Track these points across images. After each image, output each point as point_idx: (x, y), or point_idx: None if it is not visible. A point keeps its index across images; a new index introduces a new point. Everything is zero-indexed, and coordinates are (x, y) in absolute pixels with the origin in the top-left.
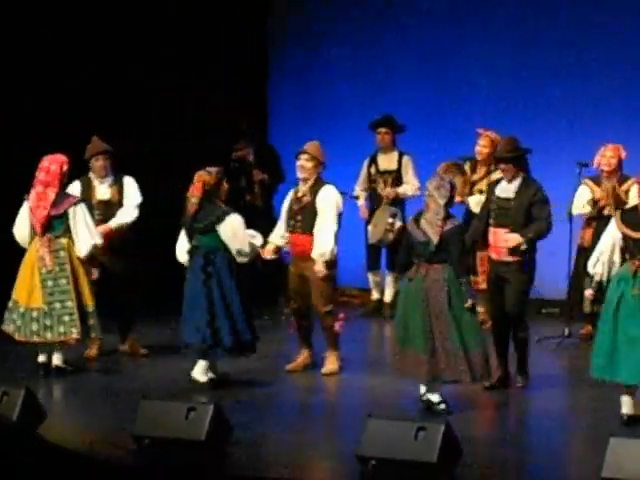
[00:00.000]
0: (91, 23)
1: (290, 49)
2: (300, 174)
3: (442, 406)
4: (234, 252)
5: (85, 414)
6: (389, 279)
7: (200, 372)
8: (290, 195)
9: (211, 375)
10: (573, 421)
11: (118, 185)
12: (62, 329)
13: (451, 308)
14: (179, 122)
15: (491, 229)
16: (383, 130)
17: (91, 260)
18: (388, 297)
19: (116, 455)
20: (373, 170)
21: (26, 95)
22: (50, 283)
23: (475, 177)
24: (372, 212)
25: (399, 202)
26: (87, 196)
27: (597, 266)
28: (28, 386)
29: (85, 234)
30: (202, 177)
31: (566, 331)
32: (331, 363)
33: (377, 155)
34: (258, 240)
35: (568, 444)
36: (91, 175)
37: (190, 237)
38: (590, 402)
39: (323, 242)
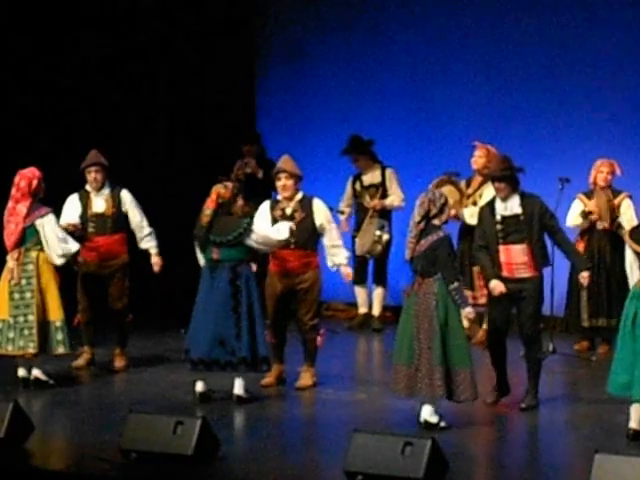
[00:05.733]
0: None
1: (276, 63)
2: (283, 193)
3: (442, 424)
4: (265, 249)
5: (73, 427)
6: (377, 293)
7: (241, 387)
8: (267, 210)
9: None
10: (560, 437)
11: (113, 198)
12: (21, 343)
13: (440, 322)
14: (174, 141)
15: (501, 247)
16: (353, 158)
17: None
18: (376, 310)
19: (103, 469)
20: (358, 186)
21: (27, 103)
22: (17, 296)
23: (469, 190)
24: (359, 224)
25: (386, 214)
26: (84, 208)
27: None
28: (16, 399)
29: (55, 244)
30: (217, 190)
31: (550, 347)
32: (307, 378)
33: (361, 173)
34: (284, 231)
35: (555, 461)
36: (88, 187)
37: (204, 249)
38: (577, 418)
39: (343, 250)
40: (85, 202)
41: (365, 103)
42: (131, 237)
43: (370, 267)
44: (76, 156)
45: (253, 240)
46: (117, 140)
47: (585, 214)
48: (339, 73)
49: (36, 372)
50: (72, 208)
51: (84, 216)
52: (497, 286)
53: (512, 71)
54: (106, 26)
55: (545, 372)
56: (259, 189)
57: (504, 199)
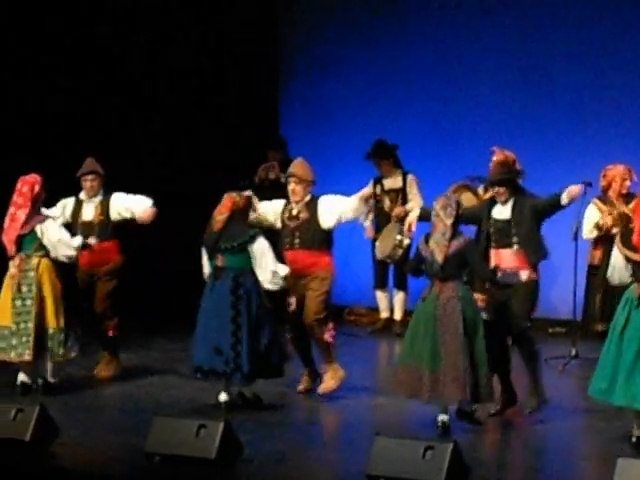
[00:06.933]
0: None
1: (300, 69)
2: (293, 197)
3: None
4: (268, 275)
5: (98, 431)
6: (398, 297)
7: (224, 394)
8: (280, 211)
9: (225, 398)
10: (581, 442)
11: (103, 206)
12: (20, 349)
13: (464, 326)
14: (190, 147)
15: (492, 251)
16: (377, 160)
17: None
18: (398, 315)
19: (127, 472)
20: (378, 190)
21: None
22: (18, 303)
23: (487, 196)
24: (379, 229)
25: (406, 219)
26: (75, 215)
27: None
28: (42, 402)
29: (59, 243)
30: (232, 197)
31: (573, 351)
32: (330, 379)
33: (382, 177)
34: (283, 271)
35: (577, 466)
36: (82, 195)
37: (211, 256)
38: (598, 423)
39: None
40: (76, 210)
41: (387, 108)
42: (130, 245)
43: (391, 272)
44: (76, 156)
45: (254, 249)
46: (117, 141)
47: (599, 227)
48: (362, 78)
49: (22, 376)
50: (64, 211)
51: (74, 224)
52: None
53: (532, 76)
54: (117, 25)
55: (567, 376)
56: (282, 194)
57: (503, 203)
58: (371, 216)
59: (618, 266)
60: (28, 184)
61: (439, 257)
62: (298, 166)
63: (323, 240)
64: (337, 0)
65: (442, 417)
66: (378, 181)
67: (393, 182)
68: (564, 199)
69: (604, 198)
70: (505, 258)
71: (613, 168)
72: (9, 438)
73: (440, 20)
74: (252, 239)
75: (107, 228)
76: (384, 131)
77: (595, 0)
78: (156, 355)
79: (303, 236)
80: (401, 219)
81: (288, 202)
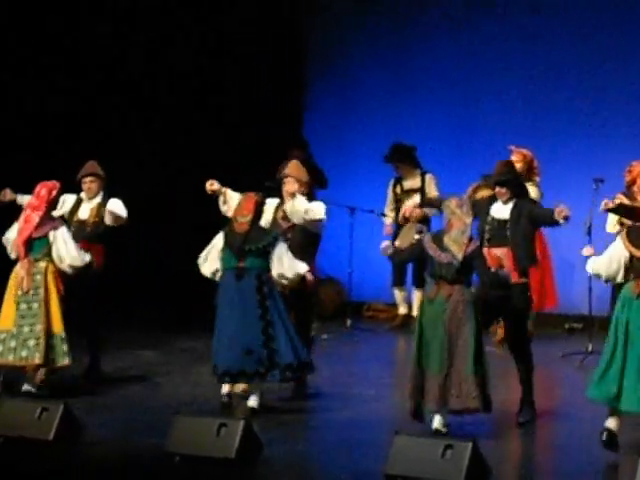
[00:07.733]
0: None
1: (323, 72)
2: (287, 198)
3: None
4: (278, 275)
5: (119, 430)
6: (416, 295)
7: (254, 398)
8: (272, 210)
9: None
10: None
11: (99, 208)
12: (24, 353)
13: (472, 330)
14: (209, 153)
15: (484, 250)
16: (395, 164)
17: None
18: (416, 312)
19: (148, 472)
20: (398, 190)
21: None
22: (23, 306)
23: None
24: (398, 229)
25: (424, 219)
26: (72, 212)
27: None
28: (66, 402)
29: (66, 253)
30: (252, 198)
31: (590, 347)
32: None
33: (401, 178)
34: (303, 267)
35: (597, 464)
36: (83, 195)
37: (237, 257)
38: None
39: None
40: (74, 208)
41: (407, 109)
42: (133, 246)
43: (409, 270)
44: (76, 156)
45: (276, 252)
46: (117, 141)
47: (622, 222)
48: (383, 80)
49: (26, 385)
50: (63, 205)
51: (69, 221)
52: None
53: (550, 77)
54: (117, 25)
55: (584, 372)
56: None
57: (504, 203)
58: (393, 215)
59: (608, 257)
60: (47, 188)
61: (458, 254)
62: (292, 167)
63: (309, 244)
64: (358, 3)
65: (435, 422)
66: (398, 182)
67: (412, 183)
68: (559, 219)
69: (628, 193)
70: (497, 257)
71: (638, 164)
72: (33, 437)
73: (458, 24)
74: (276, 240)
75: (98, 230)
76: (404, 130)
77: (608, 3)
78: (176, 354)
79: (292, 238)
80: (418, 220)
81: (282, 202)
